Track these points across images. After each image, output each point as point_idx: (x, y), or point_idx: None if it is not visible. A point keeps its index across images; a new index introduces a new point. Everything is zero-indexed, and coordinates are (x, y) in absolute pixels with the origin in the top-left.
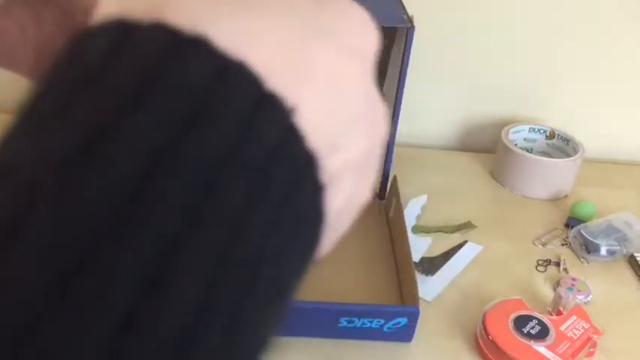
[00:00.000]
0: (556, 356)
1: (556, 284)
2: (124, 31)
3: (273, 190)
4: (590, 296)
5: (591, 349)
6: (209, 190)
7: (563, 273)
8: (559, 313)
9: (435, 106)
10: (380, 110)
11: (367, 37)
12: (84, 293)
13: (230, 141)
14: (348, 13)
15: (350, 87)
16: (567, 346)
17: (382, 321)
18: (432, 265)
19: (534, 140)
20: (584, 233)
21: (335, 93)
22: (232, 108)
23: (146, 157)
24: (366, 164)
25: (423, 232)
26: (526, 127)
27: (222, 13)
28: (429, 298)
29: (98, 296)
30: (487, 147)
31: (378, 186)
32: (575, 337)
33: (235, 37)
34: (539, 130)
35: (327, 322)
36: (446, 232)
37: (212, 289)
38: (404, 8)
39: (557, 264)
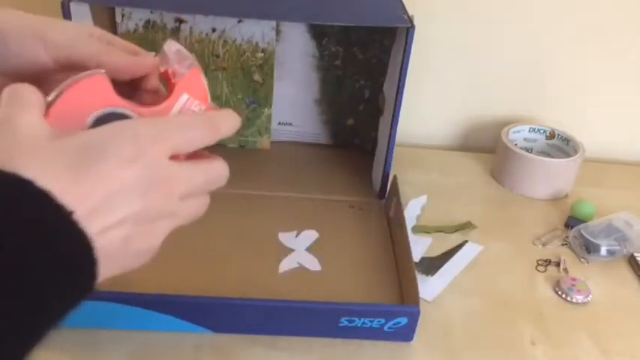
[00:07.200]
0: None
1: (556, 284)
2: None
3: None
4: (590, 296)
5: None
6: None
7: (563, 273)
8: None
9: (434, 106)
10: (161, 176)
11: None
12: None
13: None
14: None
15: (119, 178)
16: None
17: (382, 321)
18: (432, 265)
19: (534, 140)
20: (584, 233)
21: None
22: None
23: None
24: (143, 217)
25: (423, 232)
26: (526, 127)
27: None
28: (429, 298)
29: None
30: (487, 147)
31: (379, 186)
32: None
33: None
34: (539, 130)
35: (327, 322)
36: (446, 232)
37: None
38: (404, 8)
39: (557, 264)
